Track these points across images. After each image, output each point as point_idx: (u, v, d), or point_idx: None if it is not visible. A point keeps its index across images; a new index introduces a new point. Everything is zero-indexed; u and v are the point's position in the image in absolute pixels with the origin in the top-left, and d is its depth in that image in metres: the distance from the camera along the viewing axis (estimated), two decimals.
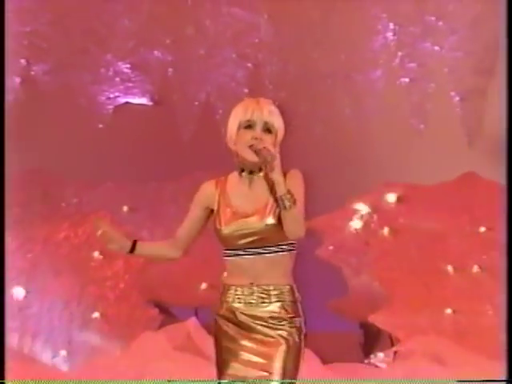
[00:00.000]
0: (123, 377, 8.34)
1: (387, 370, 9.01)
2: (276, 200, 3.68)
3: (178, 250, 3.96)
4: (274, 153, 3.61)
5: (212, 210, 3.86)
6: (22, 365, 8.75)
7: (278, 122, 3.73)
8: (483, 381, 4.98)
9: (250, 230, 3.73)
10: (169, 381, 6.05)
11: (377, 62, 10.08)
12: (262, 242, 3.71)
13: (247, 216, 3.76)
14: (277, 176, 3.61)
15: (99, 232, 3.85)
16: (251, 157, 3.69)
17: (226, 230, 3.74)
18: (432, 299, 9.35)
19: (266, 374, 3.66)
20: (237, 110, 3.81)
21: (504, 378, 4.82)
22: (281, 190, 3.61)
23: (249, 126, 3.71)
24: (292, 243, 3.73)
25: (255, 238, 3.71)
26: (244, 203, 3.79)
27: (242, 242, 3.74)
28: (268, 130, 3.71)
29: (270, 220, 3.68)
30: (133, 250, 3.90)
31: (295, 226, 3.67)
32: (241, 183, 3.83)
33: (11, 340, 9.12)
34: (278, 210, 3.70)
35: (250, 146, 3.69)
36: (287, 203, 3.61)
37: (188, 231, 3.92)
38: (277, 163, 3.63)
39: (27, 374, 8.41)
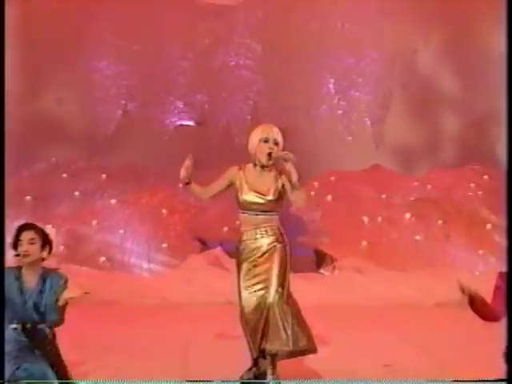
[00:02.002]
0: (180, 280, 8.91)
1: (329, 275, 9.65)
2: (290, 182, 3.95)
3: (208, 196, 4.21)
4: (293, 156, 3.92)
5: (230, 185, 4.20)
6: (123, 273, 9.47)
7: (280, 139, 4.14)
8: (483, 381, 4.23)
9: (257, 202, 4.09)
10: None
11: (323, 100, 10.90)
12: (264, 209, 4.11)
13: (256, 193, 4.09)
14: (293, 168, 3.92)
15: (187, 162, 4.02)
16: (265, 160, 4.11)
17: (242, 198, 4.13)
18: (354, 236, 10.10)
19: (267, 277, 4.04)
20: (256, 131, 4.14)
21: (504, 378, 3.98)
22: (295, 177, 3.93)
23: (265, 140, 4.08)
24: (279, 211, 4.16)
25: (260, 206, 4.11)
26: (256, 184, 4.10)
27: (253, 207, 4.11)
28: (276, 143, 4.11)
29: (270, 197, 4.06)
30: (188, 183, 4.15)
31: (303, 198, 4.02)
32: (254, 172, 4.18)
33: (117, 257, 9.64)
34: (274, 191, 4.00)
35: (267, 154, 4.08)
36: (298, 185, 3.94)
37: (214, 188, 4.23)
38: (292, 161, 3.88)
39: (127, 278, 9.09)
